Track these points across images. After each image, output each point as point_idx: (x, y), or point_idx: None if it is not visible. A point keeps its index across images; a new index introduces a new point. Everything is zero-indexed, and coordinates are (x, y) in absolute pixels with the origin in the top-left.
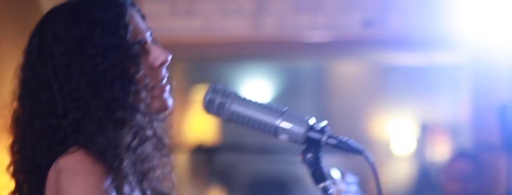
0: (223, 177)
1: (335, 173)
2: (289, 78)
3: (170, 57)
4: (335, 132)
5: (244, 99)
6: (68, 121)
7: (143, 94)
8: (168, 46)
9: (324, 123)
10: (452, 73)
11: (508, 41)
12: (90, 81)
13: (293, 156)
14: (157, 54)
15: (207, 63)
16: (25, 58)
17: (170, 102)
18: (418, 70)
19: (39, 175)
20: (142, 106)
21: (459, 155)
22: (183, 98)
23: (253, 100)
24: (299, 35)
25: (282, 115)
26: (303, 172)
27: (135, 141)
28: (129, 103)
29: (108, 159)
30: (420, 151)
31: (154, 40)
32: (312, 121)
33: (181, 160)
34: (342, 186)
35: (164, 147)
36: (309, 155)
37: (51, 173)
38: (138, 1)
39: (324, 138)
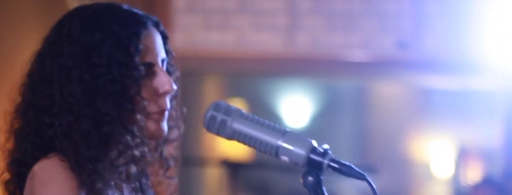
0: (257, 193)
1: None
2: (327, 96)
3: (175, 89)
4: (374, 152)
5: (247, 117)
6: (60, 122)
7: (138, 116)
8: (202, 59)
9: (326, 146)
10: (486, 98)
11: None
12: (87, 89)
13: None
14: (163, 82)
15: (244, 77)
16: (39, 49)
17: (165, 128)
18: (453, 93)
19: (19, 172)
20: (134, 127)
21: (485, 181)
22: None
23: (256, 118)
24: (332, 53)
25: (284, 135)
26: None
27: (120, 160)
28: (121, 121)
29: (85, 172)
30: (457, 174)
31: (170, 67)
32: (314, 143)
33: (213, 175)
34: None
35: (168, 168)
36: (310, 178)
37: (28, 177)
38: (173, 13)
39: (326, 161)
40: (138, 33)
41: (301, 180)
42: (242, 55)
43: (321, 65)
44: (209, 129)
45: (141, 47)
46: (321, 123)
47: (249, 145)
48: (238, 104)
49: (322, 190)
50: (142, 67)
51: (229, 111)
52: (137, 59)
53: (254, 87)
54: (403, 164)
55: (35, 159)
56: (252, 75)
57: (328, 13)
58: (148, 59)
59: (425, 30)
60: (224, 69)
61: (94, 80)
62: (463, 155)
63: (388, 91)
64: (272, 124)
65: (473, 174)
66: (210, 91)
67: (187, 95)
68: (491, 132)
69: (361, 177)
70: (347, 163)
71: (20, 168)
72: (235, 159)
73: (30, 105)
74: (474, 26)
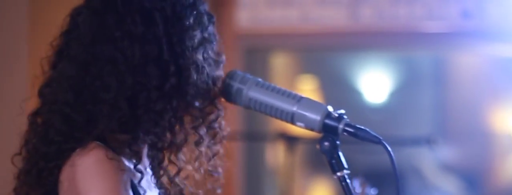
0: (316, 166)
1: (356, 184)
2: (402, 69)
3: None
4: (455, 124)
5: (263, 85)
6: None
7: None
8: (267, 36)
9: (341, 111)
10: None
11: None
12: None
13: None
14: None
15: (312, 53)
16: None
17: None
18: None
19: (50, 160)
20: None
21: None
22: (289, 86)
23: (272, 86)
24: (397, 25)
25: (299, 101)
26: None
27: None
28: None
29: (133, 155)
30: None
31: None
32: (330, 108)
33: (272, 149)
34: None
35: (219, 139)
36: (326, 144)
37: (66, 170)
38: None
39: (341, 126)
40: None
41: (317, 146)
42: (307, 31)
43: (387, 38)
44: (225, 98)
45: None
46: (399, 97)
47: (265, 113)
48: (309, 80)
49: (338, 155)
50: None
51: (244, 80)
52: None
53: (324, 63)
54: (485, 135)
55: (67, 150)
56: (318, 51)
57: None
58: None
59: None
60: (289, 46)
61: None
62: None
63: (464, 62)
64: (287, 91)
65: None
66: (276, 67)
67: (253, 72)
68: None
69: (377, 141)
70: (363, 127)
71: (56, 156)
72: (294, 133)
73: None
74: None
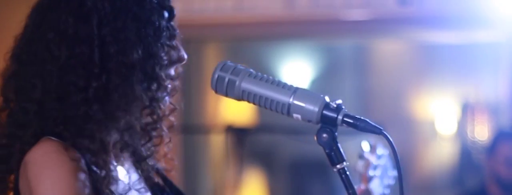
0: (261, 158)
1: (365, 146)
2: (328, 58)
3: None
4: (378, 112)
5: (256, 76)
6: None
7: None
8: (201, 27)
9: (339, 101)
10: (491, 51)
11: None
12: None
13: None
14: (183, 52)
15: (244, 43)
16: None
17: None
18: (456, 48)
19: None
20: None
21: (506, 134)
22: None
23: (265, 76)
24: (332, 13)
25: (295, 92)
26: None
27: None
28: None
29: (89, 148)
30: (462, 130)
31: None
32: (327, 99)
33: (217, 141)
34: (372, 159)
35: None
36: (325, 135)
37: (20, 170)
38: None
39: (340, 117)
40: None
41: (315, 138)
42: (241, 20)
43: (321, 26)
44: (217, 90)
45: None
46: (324, 85)
47: (260, 105)
48: None
49: (337, 147)
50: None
51: (237, 71)
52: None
53: (255, 53)
54: (407, 122)
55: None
56: (252, 40)
57: None
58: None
59: None
60: (224, 36)
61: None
62: (469, 110)
63: (390, 49)
64: (282, 81)
65: (481, 130)
66: (211, 59)
67: (188, 64)
68: (497, 85)
69: (377, 131)
70: (362, 118)
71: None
72: (240, 125)
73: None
74: None
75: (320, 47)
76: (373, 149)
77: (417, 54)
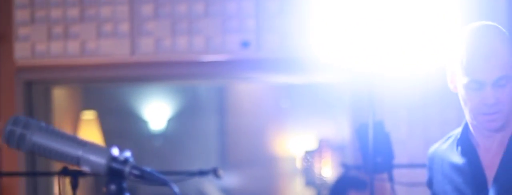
0: None
1: None
2: (186, 98)
3: None
4: (238, 149)
5: (47, 130)
6: None
7: None
8: (47, 69)
9: (128, 154)
10: (333, 92)
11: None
12: None
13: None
14: None
15: (93, 85)
16: None
17: None
18: (304, 88)
19: None
20: None
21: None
22: (74, 118)
23: (57, 131)
24: (176, 56)
25: (85, 146)
26: None
27: None
28: None
29: None
30: (309, 167)
31: None
32: (115, 152)
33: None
34: None
35: None
36: (113, 187)
37: None
38: (13, 25)
39: (127, 169)
40: None
41: (104, 189)
42: (86, 63)
43: (166, 69)
44: (9, 143)
45: None
46: (181, 124)
47: (51, 157)
48: (90, 114)
49: None
50: None
51: (28, 125)
52: None
53: (105, 95)
54: (266, 159)
55: None
56: (98, 83)
57: (171, 16)
58: None
59: (266, 29)
60: (69, 78)
61: None
62: (318, 148)
63: (244, 90)
64: (72, 135)
65: (326, 167)
66: (59, 100)
67: (34, 105)
68: (341, 125)
69: (164, 183)
70: (149, 170)
71: None
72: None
73: None
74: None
75: (179, 88)
76: None
77: (270, 95)
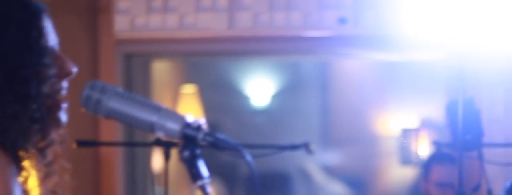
0: (221, 171)
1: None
2: (288, 74)
3: (75, 71)
4: (340, 128)
5: (123, 96)
6: None
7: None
8: (146, 42)
9: (202, 121)
10: (431, 70)
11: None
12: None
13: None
14: (69, 63)
15: (197, 58)
16: None
17: (64, 119)
18: (402, 66)
19: None
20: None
21: (439, 158)
22: (174, 92)
23: (132, 96)
24: (274, 31)
25: (159, 111)
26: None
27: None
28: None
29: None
30: (406, 148)
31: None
32: (189, 118)
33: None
34: None
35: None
36: (186, 153)
37: None
38: None
39: (200, 135)
40: (38, 17)
41: (178, 155)
42: (185, 36)
43: (264, 44)
44: (86, 108)
45: (43, 30)
46: (283, 101)
47: (126, 122)
48: (191, 88)
49: (198, 164)
50: (48, 51)
51: (104, 90)
52: (42, 42)
53: (206, 69)
54: (368, 138)
55: None
56: (198, 56)
57: None
58: (51, 42)
59: (364, 6)
60: (169, 52)
61: (9, 67)
62: (416, 126)
63: (347, 66)
64: (147, 101)
65: (423, 145)
66: (159, 73)
67: (134, 78)
68: (439, 103)
69: (236, 150)
70: (222, 137)
71: None
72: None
73: None
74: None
75: (281, 64)
76: None
77: (375, 72)
